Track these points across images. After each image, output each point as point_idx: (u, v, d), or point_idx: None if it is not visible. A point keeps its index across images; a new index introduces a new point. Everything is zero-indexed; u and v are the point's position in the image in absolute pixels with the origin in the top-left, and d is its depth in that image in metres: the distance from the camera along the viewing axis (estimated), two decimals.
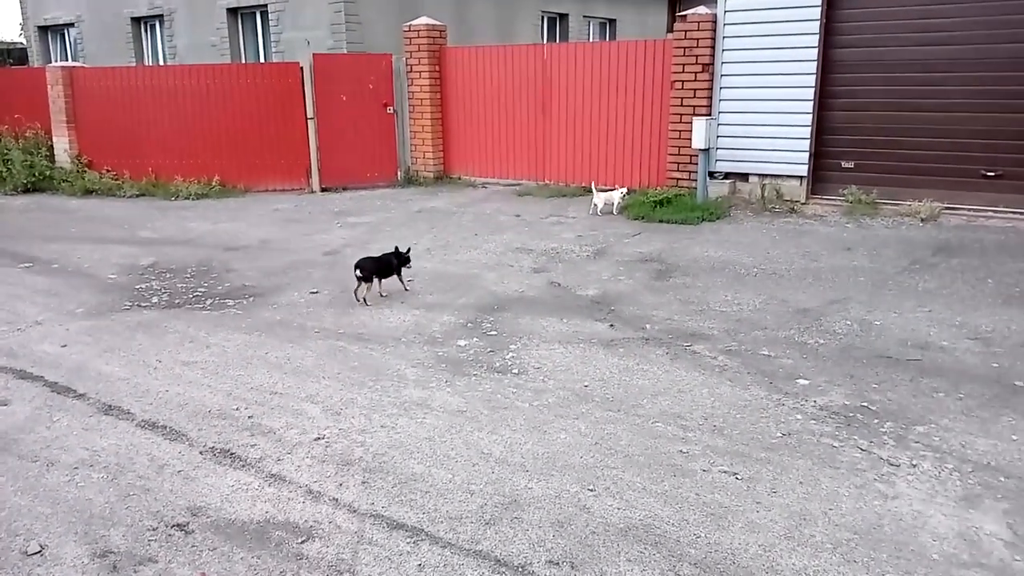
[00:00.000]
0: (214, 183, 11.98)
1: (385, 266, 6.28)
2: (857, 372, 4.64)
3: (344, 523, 3.18)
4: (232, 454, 3.79)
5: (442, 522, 3.17)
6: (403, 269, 6.42)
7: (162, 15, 16.44)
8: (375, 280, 6.21)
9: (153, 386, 4.64)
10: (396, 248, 6.38)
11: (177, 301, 6.44)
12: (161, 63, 16.83)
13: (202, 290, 6.75)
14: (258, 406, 4.33)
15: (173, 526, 3.19)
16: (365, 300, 6.17)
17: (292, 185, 12.23)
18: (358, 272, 6.10)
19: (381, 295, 6.30)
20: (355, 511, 3.27)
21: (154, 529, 3.17)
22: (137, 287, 6.87)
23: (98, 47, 17.80)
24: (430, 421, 4.09)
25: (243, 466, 3.67)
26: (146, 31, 17.40)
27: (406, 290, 6.51)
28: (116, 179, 12.36)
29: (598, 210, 9.61)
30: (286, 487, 3.47)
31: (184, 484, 3.52)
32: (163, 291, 6.73)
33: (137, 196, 11.90)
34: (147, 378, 4.77)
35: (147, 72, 13.60)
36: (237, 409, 4.30)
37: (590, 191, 9.99)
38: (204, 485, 3.51)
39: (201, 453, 3.81)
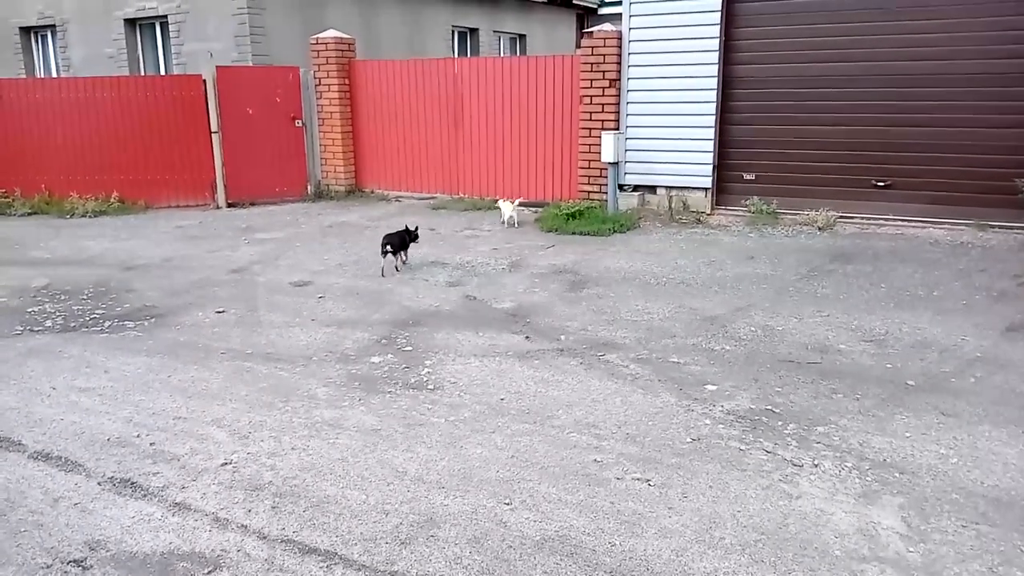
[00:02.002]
0: (113, 199, 11.47)
1: (402, 241, 7.46)
2: (761, 376, 4.80)
3: (253, 551, 3.08)
4: (133, 483, 3.62)
5: (356, 544, 3.11)
6: (411, 245, 7.59)
7: (54, 25, 15.69)
8: (400, 252, 7.47)
9: (47, 415, 4.40)
10: (406, 227, 7.62)
11: (73, 324, 6.13)
12: (55, 75, 16.05)
13: (100, 312, 6.44)
14: (161, 432, 4.16)
15: (69, 562, 3.02)
16: (396, 268, 7.43)
17: (197, 201, 11.84)
18: (388, 247, 7.24)
19: (398, 266, 7.43)
20: (265, 537, 3.17)
21: (48, 567, 3.00)
22: (29, 310, 6.51)
23: None
24: (343, 441, 4.02)
25: (145, 496, 3.51)
26: (37, 42, 16.55)
27: (405, 262, 7.61)
28: (6, 197, 11.67)
29: (509, 221, 9.68)
30: (191, 516, 3.34)
31: (81, 517, 3.34)
32: (57, 314, 6.40)
33: (29, 214, 11.28)
34: (40, 407, 4.51)
35: (39, 84, 12.94)
36: (138, 436, 4.11)
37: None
38: (103, 518, 3.33)
39: (99, 484, 3.62)
